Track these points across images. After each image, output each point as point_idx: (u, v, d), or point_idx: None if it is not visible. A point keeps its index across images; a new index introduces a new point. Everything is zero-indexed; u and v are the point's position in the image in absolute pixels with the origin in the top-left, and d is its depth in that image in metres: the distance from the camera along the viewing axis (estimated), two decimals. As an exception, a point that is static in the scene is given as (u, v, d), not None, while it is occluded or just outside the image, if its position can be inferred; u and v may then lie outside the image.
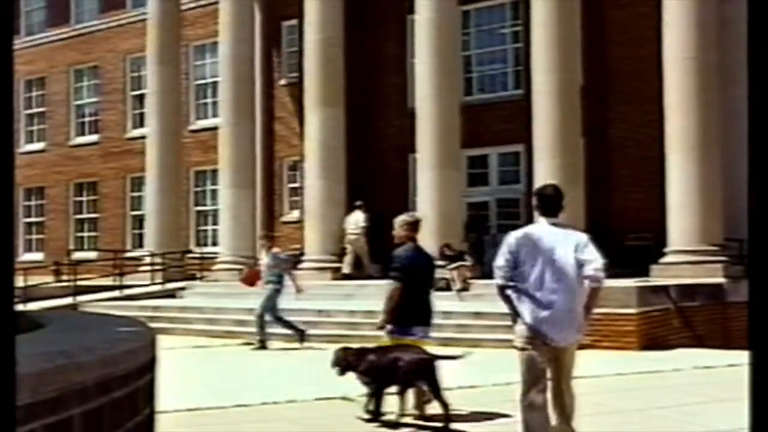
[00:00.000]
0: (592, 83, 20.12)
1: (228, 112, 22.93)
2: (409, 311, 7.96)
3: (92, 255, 28.33)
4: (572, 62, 17.93)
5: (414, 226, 8.37)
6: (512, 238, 5.99)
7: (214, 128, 24.51)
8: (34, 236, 31.94)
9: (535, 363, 5.93)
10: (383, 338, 8.16)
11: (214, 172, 25.11)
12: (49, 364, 2.15)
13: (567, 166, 17.43)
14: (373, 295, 17.91)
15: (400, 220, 8.43)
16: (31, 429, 2.06)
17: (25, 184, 31.07)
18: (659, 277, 15.85)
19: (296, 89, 24.23)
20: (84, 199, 30.86)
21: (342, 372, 8.01)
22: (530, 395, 5.95)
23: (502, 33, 23.18)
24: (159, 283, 22.30)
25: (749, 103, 1.59)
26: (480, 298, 16.38)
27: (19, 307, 14.00)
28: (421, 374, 7.43)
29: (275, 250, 15.46)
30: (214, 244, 25.17)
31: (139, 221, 28.07)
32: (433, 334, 8.38)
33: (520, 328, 5.94)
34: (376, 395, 7.63)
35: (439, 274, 17.78)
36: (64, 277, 24.21)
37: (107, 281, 22.75)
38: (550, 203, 6.02)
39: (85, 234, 30.68)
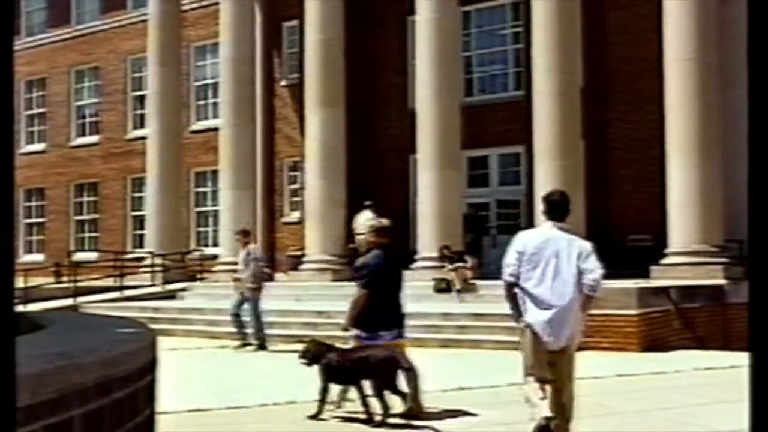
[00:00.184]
0: (592, 84, 20.13)
1: (228, 112, 22.93)
2: (377, 317, 8.03)
3: (93, 256, 28.34)
4: (572, 63, 17.93)
5: (382, 231, 8.46)
6: (520, 238, 6.26)
7: (215, 129, 24.51)
8: (34, 237, 31.94)
9: (535, 359, 6.15)
10: (350, 342, 8.27)
11: (215, 172, 25.11)
12: (50, 365, 2.15)
13: (567, 167, 17.43)
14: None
15: (368, 225, 8.54)
16: (31, 430, 2.06)
17: (25, 185, 31.07)
18: (660, 278, 15.85)
19: (297, 90, 24.24)
20: (84, 200, 30.87)
21: (310, 363, 8.12)
22: (531, 390, 6.14)
23: (503, 34, 23.19)
24: (159, 284, 22.31)
25: (749, 104, 1.59)
26: (480, 299, 16.39)
27: (20, 308, 14.00)
28: (393, 370, 7.59)
29: (250, 246, 15.35)
30: (215, 245, 25.17)
31: (140, 222, 28.08)
32: (409, 335, 8.47)
33: (522, 326, 6.19)
34: (322, 393, 7.78)
35: (439, 275, 17.86)
36: (65, 278, 24.22)
37: (108, 282, 22.75)
38: (557, 208, 6.27)
39: (86, 235, 30.68)
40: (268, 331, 14.55)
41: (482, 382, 10.07)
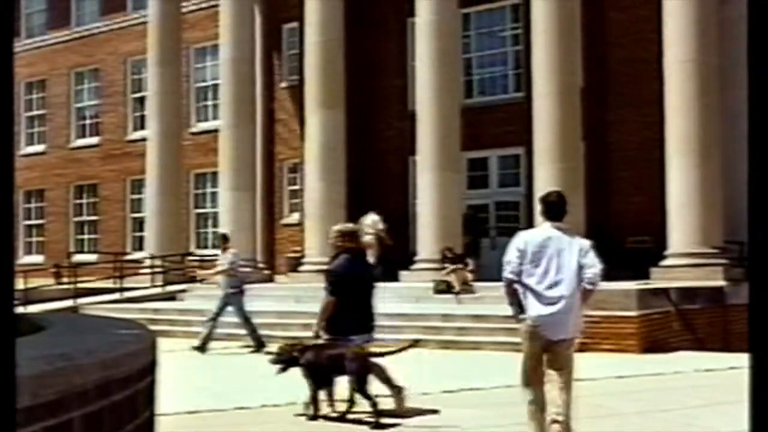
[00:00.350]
0: (592, 85, 20.13)
1: (228, 114, 22.93)
2: (347, 321, 8.11)
3: (92, 257, 28.35)
4: (572, 65, 17.93)
5: (350, 236, 8.51)
6: (521, 236, 6.46)
7: (215, 131, 24.52)
8: (34, 239, 31.94)
9: (534, 355, 6.38)
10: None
11: (215, 174, 25.11)
12: (50, 367, 2.15)
13: (567, 169, 17.44)
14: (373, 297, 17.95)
15: (335, 230, 8.67)
16: (31, 431, 2.06)
17: (25, 186, 31.08)
18: (659, 279, 15.85)
19: (296, 91, 24.25)
20: (84, 201, 30.87)
21: (284, 369, 8.26)
22: (528, 389, 6.39)
23: (503, 36, 23.19)
24: (159, 286, 22.31)
25: (749, 105, 1.59)
26: (478, 301, 16.38)
27: (20, 309, 13.99)
28: (366, 367, 7.72)
29: (231, 251, 15.38)
30: (215, 246, 25.15)
31: (140, 224, 28.08)
32: (379, 336, 8.57)
33: (523, 322, 6.37)
34: (313, 393, 7.90)
35: (438, 276, 17.87)
36: (65, 280, 24.23)
37: (107, 284, 22.75)
38: (555, 209, 6.48)
39: (86, 236, 30.68)
40: (269, 332, 14.54)
41: (482, 384, 10.07)
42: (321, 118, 21.18)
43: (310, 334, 8.53)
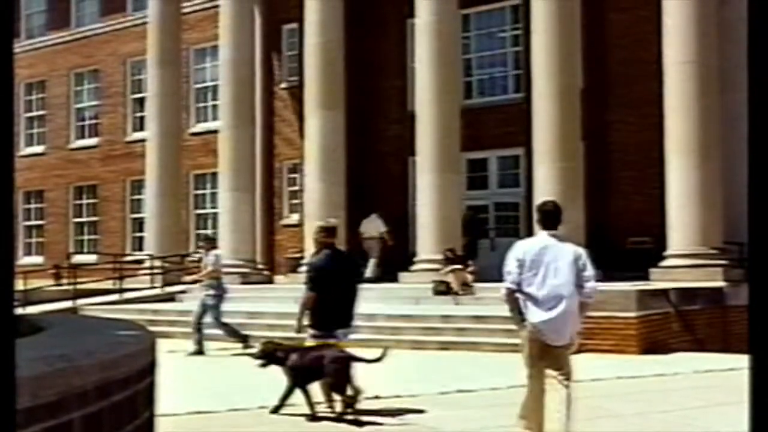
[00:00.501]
0: (592, 86, 20.13)
1: (228, 115, 22.93)
2: (330, 316, 8.29)
3: (92, 258, 28.33)
4: (572, 65, 17.93)
5: (330, 232, 8.66)
6: (519, 247, 6.70)
7: (215, 131, 24.52)
8: (33, 239, 31.94)
9: (535, 359, 6.59)
10: (307, 341, 8.52)
11: (214, 175, 25.11)
12: (49, 368, 2.15)
13: (567, 170, 17.44)
14: (374, 299, 17.92)
15: (317, 226, 8.85)
16: (30, 432, 2.06)
17: (25, 187, 31.07)
18: (659, 280, 15.84)
19: (296, 92, 24.25)
20: (84, 202, 30.86)
21: (266, 364, 8.35)
22: (531, 380, 6.62)
23: (502, 36, 23.19)
24: (159, 287, 22.30)
25: (749, 106, 1.59)
26: (477, 302, 16.37)
27: (19, 310, 13.99)
28: (338, 372, 7.88)
29: (214, 252, 15.37)
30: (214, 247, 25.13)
31: (139, 224, 28.08)
32: (353, 336, 8.70)
33: (525, 326, 6.58)
34: (304, 392, 8.04)
35: (438, 277, 17.86)
36: (64, 281, 24.21)
37: (107, 284, 22.74)
38: (551, 218, 6.77)
39: (85, 237, 30.68)
40: (269, 334, 14.50)
41: (481, 385, 10.06)
42: (321, 118, 21.17)
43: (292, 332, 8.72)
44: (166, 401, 4.18)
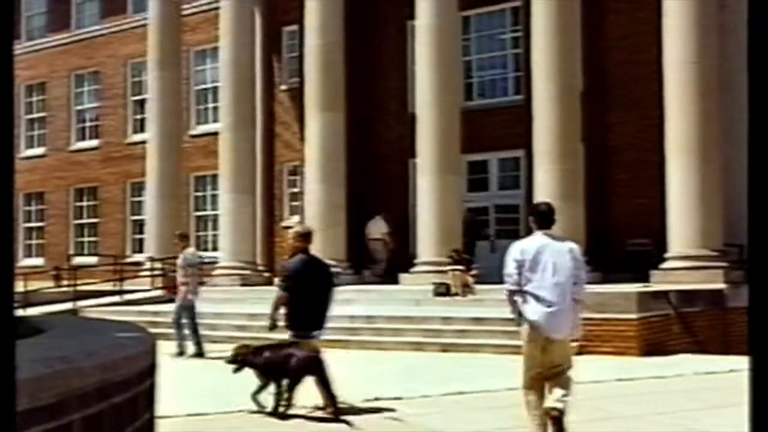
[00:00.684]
0: (592, 88, 20.13)
1: (228, 117, 22.93)
2: (306, 318, 8.65)
3: (92, 260, 28.32)
4: (572, 67, 17.94)
5: (306, 237, 9.10)
6: (516, 247, 6.93)
7: (215, 133, 24.52)
8: (34, 241, 31.93)
9: (535, 355, 6.79)
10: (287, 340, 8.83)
11: (215, 177, 25.12)
12: (49, 370, 2.15)
13: (567, 172, 17.44)
14: (375, 300, 17.95)
15: (292, 232, 9.26)
16: (30, 434, 2.06)
17: (25, 189, 31.07)
18: (659, 282, 15.84)
19: (296, 94, 24.25)
20: (84, 204, 30.86)
21: (239, 368, 8.66)
22: (528, 392, 6.77)
23: (503, 38, 23.20)
24: (159, 288, 22.29)
25: (749, 108, 1.59)
26: (475, 304, 16.35)
27: (19, 312, 13.99)
28: (310, 369, 8.17)
29: (188, 250, 15.33)
30: (215, 249, 25.16)
31: (139, 226, 28.07)
32: (324, 336, 8.96)
33: (526, 324, 6.80)
34: (259, 389, 8.35)
35: (438, 279, 17.85)
36: (64, 282, 24.19)
37: (107, 286, 22.73)
38: (545, 218, 7.05)
39: (85, 239, 30.68)
40: (268, 335, 14.44)
41: (482, 386, 10.06)
42: (321, 120, 21.18)
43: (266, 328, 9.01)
44: (167, 403, 4.17)
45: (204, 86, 27.94)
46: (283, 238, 25.27)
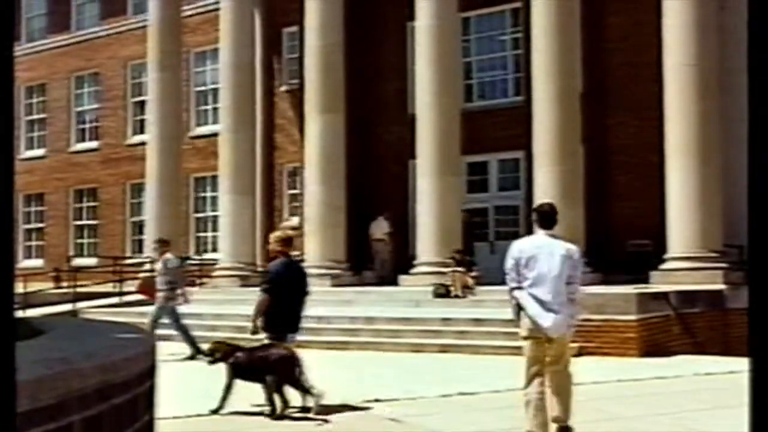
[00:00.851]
0: (591, 89, 20.13)
1: (228, 118, 22.93)
2: (284, 320, 8.87)
3: (92, 261, 28.33)
4: (572, 69, 17.94)
5: (287, 241, 9.30)
6: (516, 246, 7.05)
7: (215, 135, 24.53)
8: (33, 243, 31.93)
9: (535, 351, 6.87)
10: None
11: (214, 178, 25.12)
12: (49, 371, 2.15)
13: (567, 173, 17.44)
14: (374, 302, 17.95)
15: (273, 236, 9.49)
16: (30, 435, 2.05)
17: (25, 190, 31.07)
18: (659, 283, 15.84)
19: (296, 96, 24.25)
20: (84, 205, 30.87)
21: (213, 362, 8.86)
22: (529, 389, 6.83)
23: (502, 40, 23.20)
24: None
25: (749, 109, 1.59)
26: (479, 305, 16.35)
27: (19, 313, 13.98)
28: (286, 369, 8.28)
29: (167, 256, 15.29)
30: (214, 250, 25.16)
31: (139, 227, 28.07)
32: (297, 337, 9.13)
33: (525, 321, 6.91)
34: (268, 392, 8.37)
35: (437, 280, 17.84)
36: (64, 284, 24.19)
37: (107, 288, 22.72)
38: (547, 218, 7.15)
39: (85, 240, 30.67)
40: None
41: (482, 387, 10.05)
42: (321, 121, 21.18)
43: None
44: (167, 404, 4.17)
45: (204, 88, 27.95)
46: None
